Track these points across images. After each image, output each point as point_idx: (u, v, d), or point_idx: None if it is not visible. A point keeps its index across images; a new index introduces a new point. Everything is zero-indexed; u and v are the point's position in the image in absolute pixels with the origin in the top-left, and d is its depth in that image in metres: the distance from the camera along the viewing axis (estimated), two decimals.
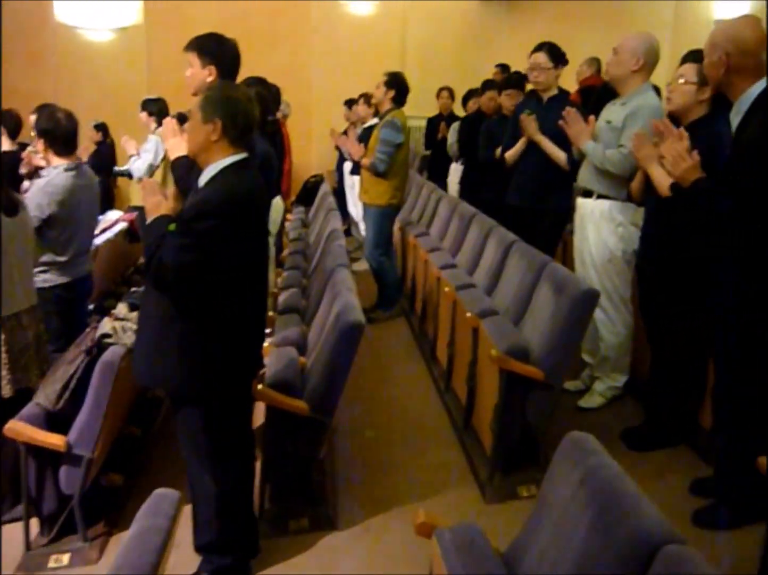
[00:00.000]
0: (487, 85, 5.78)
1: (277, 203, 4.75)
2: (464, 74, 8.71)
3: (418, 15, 10.70)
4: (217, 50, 2.74)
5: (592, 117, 3.53)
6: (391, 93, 4.99)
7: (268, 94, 4.72)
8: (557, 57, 3.99)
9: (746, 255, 2.51)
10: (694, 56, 3.05)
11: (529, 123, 4.11)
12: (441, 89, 7.86)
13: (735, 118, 2.55)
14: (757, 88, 2.47)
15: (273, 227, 4.67)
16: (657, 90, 3.66)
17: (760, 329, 2.56)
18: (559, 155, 3.95)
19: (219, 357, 2.24)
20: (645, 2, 9.78)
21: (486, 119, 5.41)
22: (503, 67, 7.81)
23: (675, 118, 3.08)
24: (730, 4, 8.23)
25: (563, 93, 4.16)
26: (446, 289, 3.79)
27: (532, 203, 4.11)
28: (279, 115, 5.34)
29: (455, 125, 6.55)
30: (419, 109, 10.78)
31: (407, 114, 11.34)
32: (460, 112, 7.32)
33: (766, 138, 2.36)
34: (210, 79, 2.70)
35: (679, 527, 2.76)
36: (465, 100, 6.88)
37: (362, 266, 6.09)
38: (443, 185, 6.61)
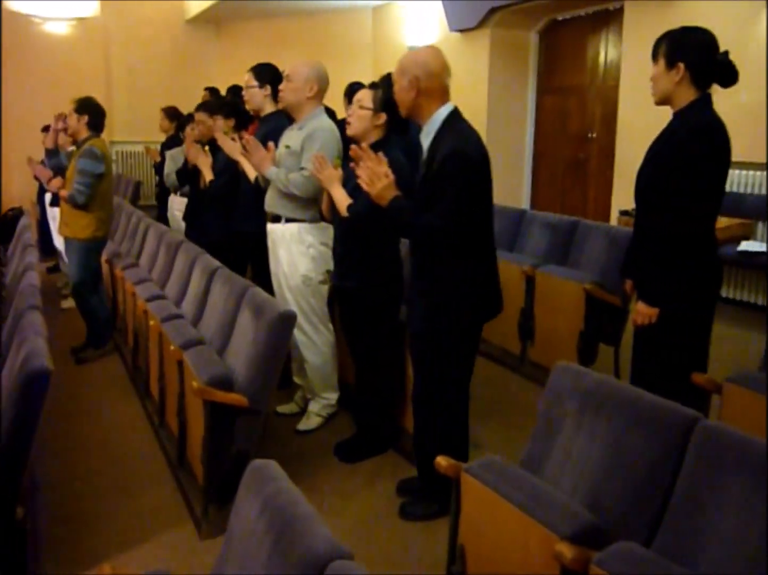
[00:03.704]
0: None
1: None
2: (176, 97, 8.54)
3: (122, 35, 10.36)
4: None
5: (271, 143, 3.59)
6: (85, 119, 4.74)
7: None
8: (263, 77, 3.96)
9: (437, 270, 2.71)
10: (370, 85, 3.25)
11: (224, 142, 4.11)
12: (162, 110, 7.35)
13: (425, 139, 2.71)
14: (445, 110, 2.67)
15: None
16: (331, 113, 3.82)
17: (447, 340, 2.78)
18: (251, 175, 3.88)
19: None
20: (346, 26, 10.31)
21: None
22: (212, 90, 7.75)
23: (356, 141, 3.24)
24: (418, 32, 8.97)
25: (278, 112, 3.98)
26: (151, 322, 3.67)
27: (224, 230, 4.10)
28: None
29: (175, 152, 6.04)
30: (133, 133, 10.47)
31: (120, 139, 10.90)
32: None
33: (453, 159, 2.55)
34: None
35: (387, 527, 2.94)
36: (182, 125, 6.59)
37: (72, 302, 5.72)
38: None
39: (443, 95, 2.69)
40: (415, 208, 2.64)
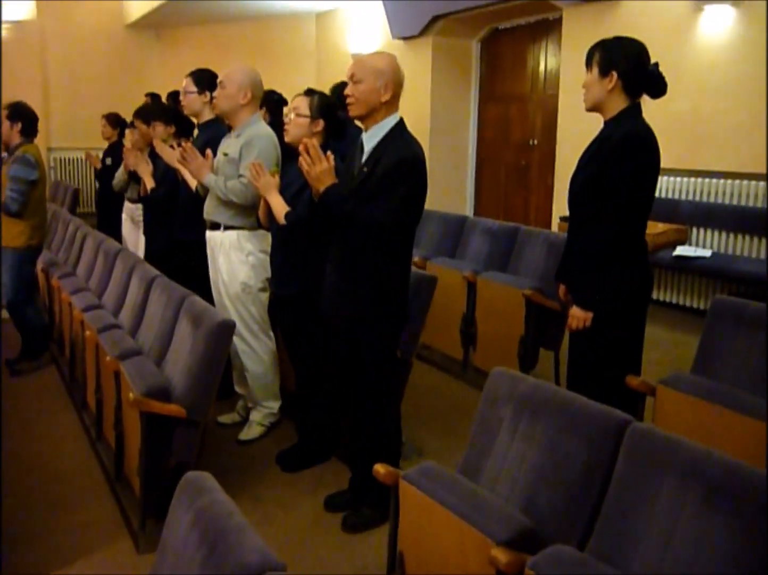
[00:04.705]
0: None
1: None
2: (117, 102, 8.39)
3: (60, 39, 10.15)
4: None
5: (209, 151, 3.55)
6: (18, 126, 4.63)
7: None
8: (203, 82, 3.92)
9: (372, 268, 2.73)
10: (306, 92, 3.24)
11: (163, 150, 4.05)
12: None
13: (369, 141, 2.75)
14: (395, 118, 2.75)
15: None
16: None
17: (382, 343, 2.79)
18: (192, 183, 3.81)
19: None
20: (289, 32, 10.29)
21: None
22: (153, 96, 7.65)
23: (294, 148, 3.22)
24: (361, 39, 9.00)
25: (218, 119, 3.91)
26: (88, 332, 3.59)
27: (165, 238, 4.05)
28: None
29: None
30: (72, 139, 10.25)
31: (58, 146, 10.65)
32: None
33: (408, 164, 2.63)
34: None
35: (329, 536, 2.93)
36: (123, 128, 6.57)
37: (6, 313, 5.57)
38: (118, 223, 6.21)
39: (397, 104, 2.78)
40: (357, 200, 2.65)
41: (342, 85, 4.68)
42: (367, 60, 2.76)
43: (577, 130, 6.04)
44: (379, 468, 2.17)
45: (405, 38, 8.40)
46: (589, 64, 2.65)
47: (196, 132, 4.40)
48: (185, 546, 1.62)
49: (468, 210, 8.68)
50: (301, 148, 2.71)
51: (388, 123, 2.73)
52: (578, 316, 2.65)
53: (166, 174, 4.23)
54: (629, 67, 2.57)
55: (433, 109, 8.30)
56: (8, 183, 4.51)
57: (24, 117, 4.63)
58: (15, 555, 2.85)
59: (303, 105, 3.15)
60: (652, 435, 1.87)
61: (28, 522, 3.08)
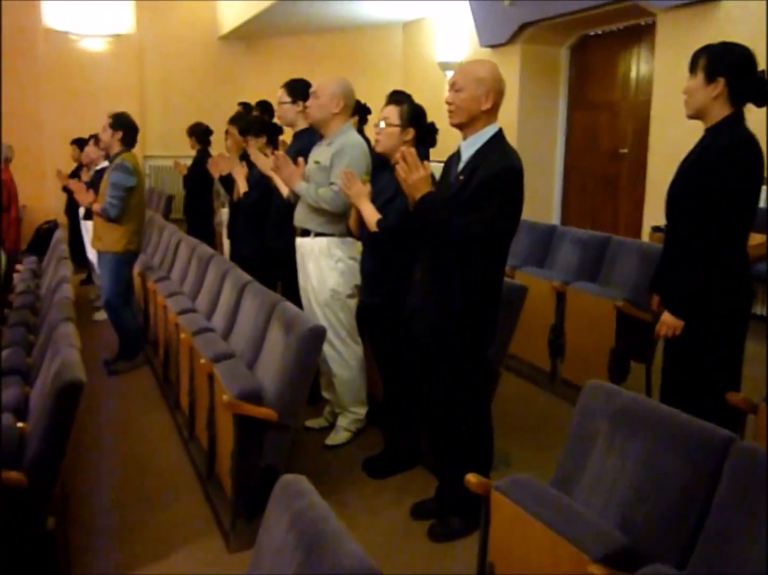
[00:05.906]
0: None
1: None
2: (209, 112, 8.65)
3: (156, 52, 10.53)
4: None
5: (300, 159, 3.61)
6: (119, 134, 4.82)
7: None
8: (296, 93, 3.99)
9: (468, 278, 2.68)
10: (394, 99, 3.26)
11: (257, 158, 4.14)
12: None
13: (467, 150, 2.73)
14: (495, 127, 2.72)
15: None
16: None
17: (465, 355, 2.77)
18: (284, 191, 3.87)
19: None
20: (377, 42, 10.39)
21: None
22: (245, 105, 7.83)
23: (385, 158, 3.24)
24: (449, 48, 8.99)
25: (311, 128, 3.91)
26: (182, 335, 3.70)
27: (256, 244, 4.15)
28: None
29: None
30: (166, 148, 10.61)
31: (153, 154, 11.04)
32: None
33: (507, 174, 2.61)
34: None
35: (415, 544, 2.91)
36: (198, 136, 6.80)
37: (105, 315, 5.79)
38: (204, 229, 6.45)
39: (497, 114, 2.75)
40: (452, 209, 2.61)
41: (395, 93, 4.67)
42: (469, 68, 2.74)
43: (670, 137, 5.89)
44: (471, 478, 2.16)
45: (493, 46, 8.37)
46: (693, 69, 2.57)
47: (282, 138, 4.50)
48: (282, 547, 1.65)
49: (555, 219, 8.56)
50: (398, 156, 2.70)
51: (488, 132, 2.70)
52: (669, 323, 2.58)
53: (260, 180, 4.32)
54: (737, 73, 2.49)
55: (521, 117, 8.21)
56: (108, 190, 4.70)
57: (125, 127, 4.82)
58: (110, 548, 2.96)
59: (393, 115, 3.16)
60: (759, 454, 1.79)
61: (124, 517, 3.19)
